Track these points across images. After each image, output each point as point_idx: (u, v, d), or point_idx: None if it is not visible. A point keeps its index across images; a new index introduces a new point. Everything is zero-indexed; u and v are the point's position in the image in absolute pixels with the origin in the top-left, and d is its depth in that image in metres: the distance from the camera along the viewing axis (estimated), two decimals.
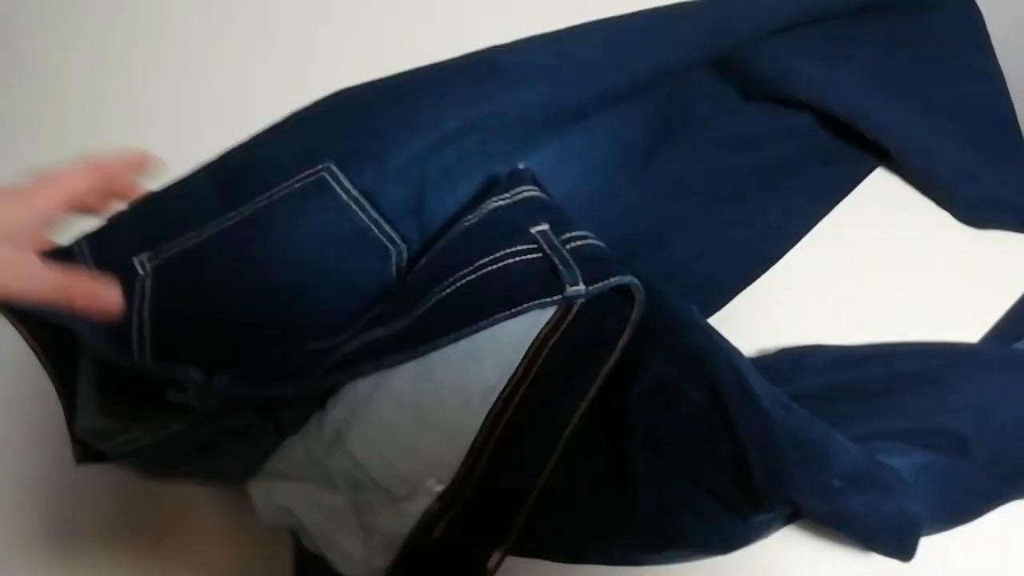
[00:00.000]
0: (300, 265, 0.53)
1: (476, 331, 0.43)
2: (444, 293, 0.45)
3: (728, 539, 0.50)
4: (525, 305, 0.43)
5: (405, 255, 0.55)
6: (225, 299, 0.52)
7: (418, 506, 0.45)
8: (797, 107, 0.64)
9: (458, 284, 0.45)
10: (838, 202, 0.63)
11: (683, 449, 0.49)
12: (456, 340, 0.43)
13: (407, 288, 0.49)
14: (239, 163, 0.57)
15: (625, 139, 0.62)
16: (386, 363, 0.43)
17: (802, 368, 0.56)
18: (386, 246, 0.55)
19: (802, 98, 0.63)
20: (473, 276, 0.45)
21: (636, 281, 0.45)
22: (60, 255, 0.49)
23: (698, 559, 0.50)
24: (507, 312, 0.43)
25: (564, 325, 0.47)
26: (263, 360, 0.45)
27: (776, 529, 0.51)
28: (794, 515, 0.50)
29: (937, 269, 0.61)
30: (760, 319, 0.59)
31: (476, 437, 0.45)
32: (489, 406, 0.46)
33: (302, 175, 0.55)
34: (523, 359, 0.47)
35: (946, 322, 0.58)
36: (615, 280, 0.45)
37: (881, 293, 0.60)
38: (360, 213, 0.55)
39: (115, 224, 0.52)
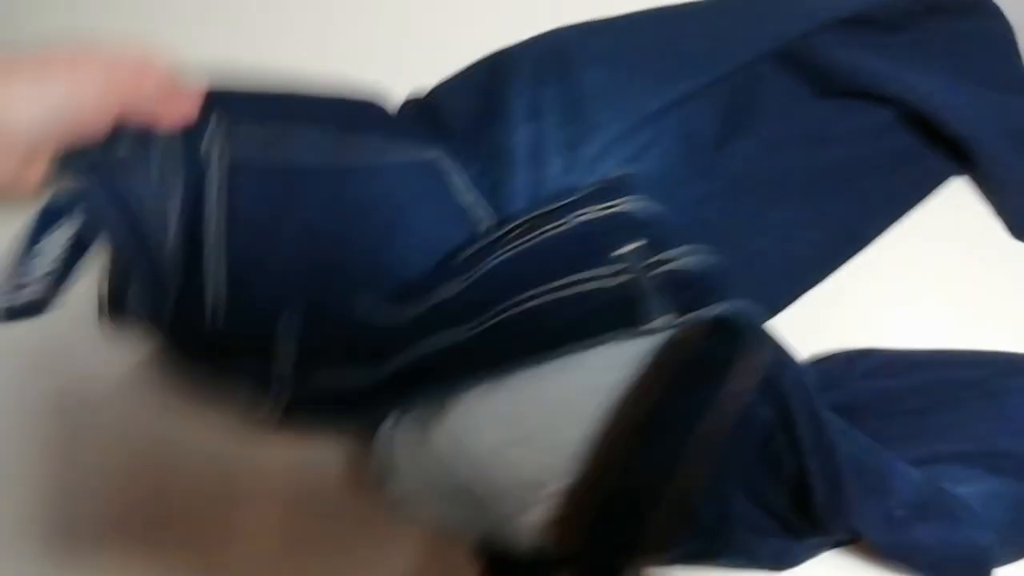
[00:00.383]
0: (396, 221, 0.53)
1: (550, 359, 0.42)
2: (514, 311, 0.44)
3: (779, 557, 0.50)
4: (598, 337, 0.42)
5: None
6: (308, 229, 0.52)
7: (534, 517, 0.44)
8: (875, 103, 0.61)
9: (530, 304, 0.44)
10: (914, 206, 0.60)
11: (746, 464, 0.48)
12: (529, 366, 0.42)
13: (478, 283, 0.48)
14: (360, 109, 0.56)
15: (693, 129, 0.60)
16: (462, 385, 0.43)
17: (853, 372, 0.55)
18: (477, 221, 0.55)
19: (884, 92, 0.60)
20: (547, 298, 0.44)
21: (736, 311, 0.44)
22: None
23: (746, 569, 0.51)
24: (580, 344, 0.42)
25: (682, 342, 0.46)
26: (335, 325, 0.47)
27: (827, 550, 0.51)
28: (847, 540, 0.50)
29: (996, 279, 0.59)
30: (813, 321, 0.57)
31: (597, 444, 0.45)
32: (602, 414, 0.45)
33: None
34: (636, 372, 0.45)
35: (1001, 334, 0.57)
36: (711, 311, 0.43)
37: (935, 301, 0.59)
38: (466, 192, 0.55)
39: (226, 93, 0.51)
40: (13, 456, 0.54)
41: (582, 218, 0.48)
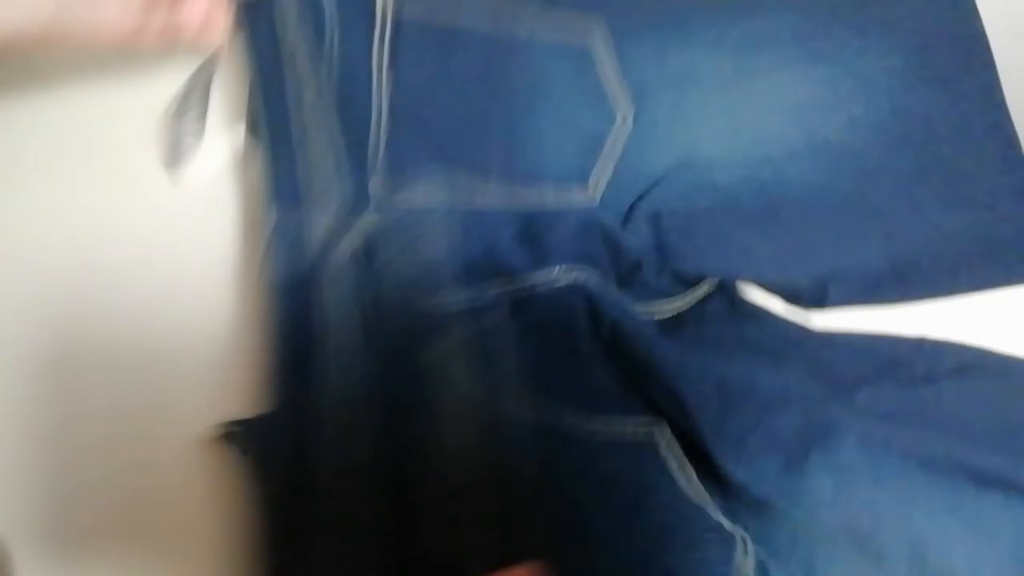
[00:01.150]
0: (541, 91, 0.57)
1: None
2: None
3: None
4: None
5: (630, 121, 0.58)
6: (461, 86, 0.57)
7: None
8: None
9: None
10: None
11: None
12: None
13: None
14: None
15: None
16: None
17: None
18: (616, 109, 0.59)
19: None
20: None
21: None
22: None
23: None
24: None
25: None
26: None
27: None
28: None
29: None
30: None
31: None
32: None
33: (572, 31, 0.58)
34: None
35: None
36: None
37: None
38: (610, 75, 0.59)
39: None
40: (14, 455, 0.54)
41: None
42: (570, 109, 0.58)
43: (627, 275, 0.56)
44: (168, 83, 0.58)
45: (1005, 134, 0.59)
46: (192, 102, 0.56)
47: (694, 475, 0.50)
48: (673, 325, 0.56)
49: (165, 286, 0.56)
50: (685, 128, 0.59)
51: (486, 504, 0.49)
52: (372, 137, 0.54)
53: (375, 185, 0.53)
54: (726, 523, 0.49)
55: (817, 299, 0.56)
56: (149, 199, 0.58)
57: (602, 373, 0.52)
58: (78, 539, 0.52)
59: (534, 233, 0.55)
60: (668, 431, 0.51)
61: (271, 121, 0.54)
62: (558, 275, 0.54)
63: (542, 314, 0.52)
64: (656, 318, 0.56)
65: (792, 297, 0.57)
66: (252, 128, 0.55)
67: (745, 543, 0.49)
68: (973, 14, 0.60)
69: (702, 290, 0.57)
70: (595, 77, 0.58)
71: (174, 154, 0.57)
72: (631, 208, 0.57)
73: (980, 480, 0.49)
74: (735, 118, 0.59)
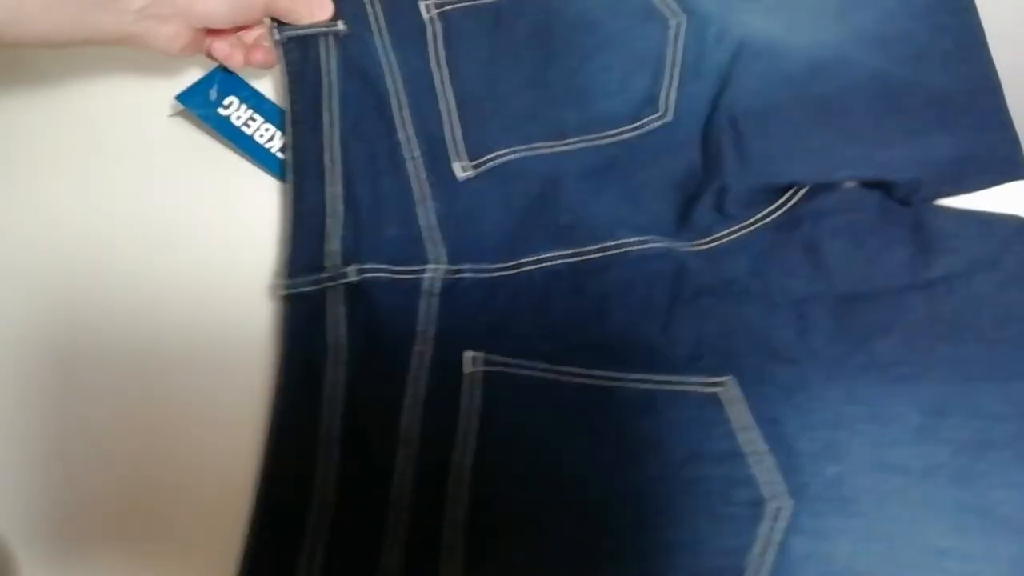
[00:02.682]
0: (591, 32, 0.59)
1: None
2: None
3: None
4: None
5: (684, 25, 0.58)
6: (518, 56, 0.58)
7: None
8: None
9: None
10: None
11: None
12: None
13: None
14: None
15: None
16: None
17: None
18: (667, 18, 0.59)
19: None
20: None
21: None
22: None
23: None
24: None
25: None
26: None
27: None
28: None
29: None
30: None
31: None
32: None
33: None
34: None
35: None
36: None
37: None
38: None
39: None
40: (13, 455, 0.53)
41: None
42: (623, 38, 0.59)
43: (711, 202, 0.54)
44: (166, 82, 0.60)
45: None
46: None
47: (757, 434, 0.48)
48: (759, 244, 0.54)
49: (171, 287, 0.56)
50: (738, 18, 0.59)
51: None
52: (447, 133, 0.56)
53: (459, 167, 0.55)
54: (772, 484, 0.47)
55: (912, 189, 0.53)
56: (153, 199, 0.59)
57: (678, 327, 0.51)
58: (81, 539, 0.51)
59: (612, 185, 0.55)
60: (736, 389, 0.49)
61: (301, 161, 0.56)
62: (627, 243, 0.53)
63: (616, 281, 0.52)
64: (736, 237, 0.54)
65: (889, 189, 0.54)
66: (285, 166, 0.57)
67: (779, 514, 0.47)
68: None
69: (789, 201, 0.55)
70: None
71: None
72: (708, 122, 0.56)
73: None
74: (780, 12, 0.59)
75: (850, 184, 0.54)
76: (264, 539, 0.47)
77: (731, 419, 0.48)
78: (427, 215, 0.55)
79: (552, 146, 0.56)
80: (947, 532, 0.46)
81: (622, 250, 0.52)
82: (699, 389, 0.49)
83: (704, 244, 0.54)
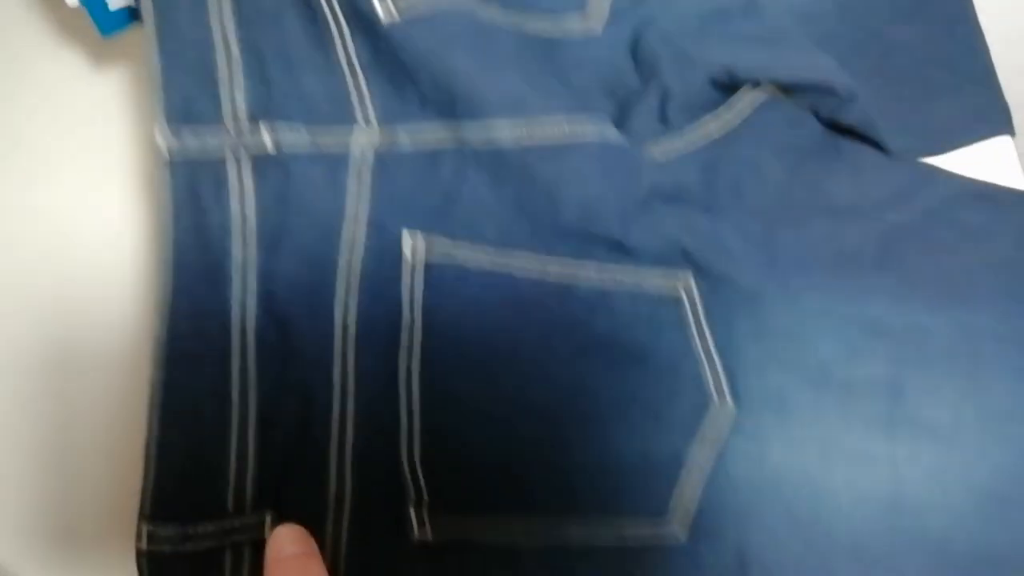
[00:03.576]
0: None
1: None
2: None
3: None
4: None
5: None
6: None
7: None
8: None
9: None
10: None
11: None
12: None
13: None
14: None
15: None
16: None
17: None
18: None
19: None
20: None
21: None
22: None
23: None
24: None
25: None
26: None
27: None
28: None
29: None
30: None
31: None
32: None
33: None
34: None
35: None
36: None
37: None
38: None
39: None
40: (14, 455, 0.53)
41: None
42: None
43: (654, 108, 0.53)
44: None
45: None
46: None
47: (710, 337, 0.49)
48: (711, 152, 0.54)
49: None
50: None
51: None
52: None
53: (378, 5, 0.47)
54: (719, 388, 0.49)
55: (839, 106, 0.54)
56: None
57: (636, 225, 0.50)
58: (75, 541, 0.50)
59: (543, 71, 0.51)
60: (694, 289, 0.50)
61: None
62: (580, 128, 0.49)
63: (573, 169, 0.49)
64: (682, 152, 0.53)
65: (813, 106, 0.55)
66: None
67: (721, 416, 0.48)
68: None
69: (737, 106, 0.55)
70: None
71: None
72: (638, 36, 0.54)
73: None
74: None
75: (788, 106, 0.56)
76: (172, 452, 0.42)
77: (688, 318, 0.49)
78: (348, 55, 0.47)
79: (476, 4, 0.50)
80: (877, 441, 0.48)
81: (580, 134, 0.49)
82: (659, 284, 0.50)
83: (651, 154, 0.53)
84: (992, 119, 0.59)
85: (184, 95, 0.43)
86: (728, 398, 0.48)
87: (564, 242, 0.49)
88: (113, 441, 0.50)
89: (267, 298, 0.44)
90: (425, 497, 0.45)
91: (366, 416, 0.45)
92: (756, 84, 0.54)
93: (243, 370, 0.43)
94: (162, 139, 0.43)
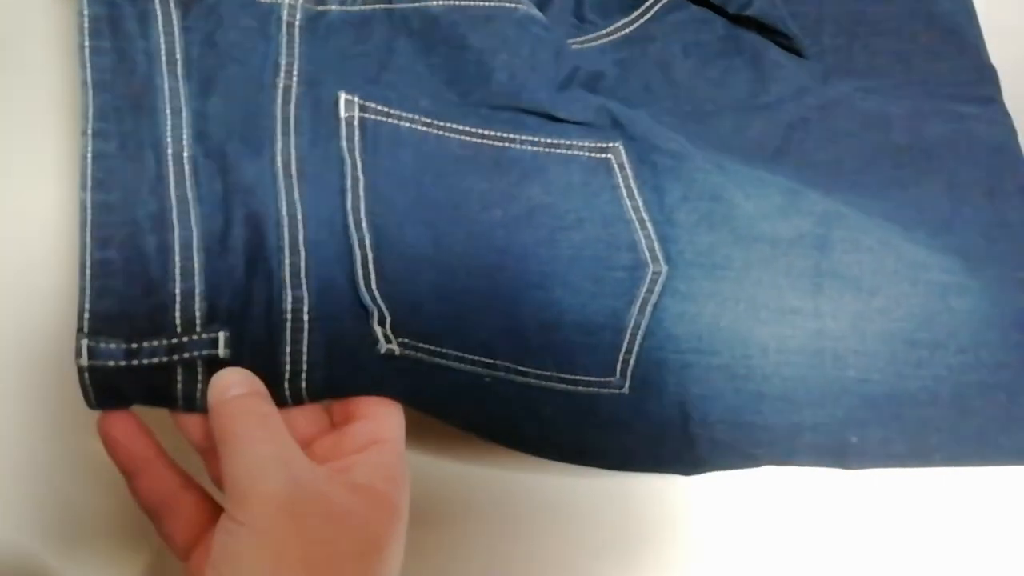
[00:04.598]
0: None
1: None
2: None
3: None
4: None
5: None
6: None
7: None
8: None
9: None
10: None
11: None
12: None
13: None
14: None
15: None
16: None
17: None
18: None
19: None
20: None
21: None
22: None
23: None
24: None
25: None
26: None
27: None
28: None
29: None
30: None
31: None
32: None
33: None
34: None
35: None
36: None
37: None
38: None
39: None
40: (13, 454, 0.52)
41: None
42: None
43: (570, 6, 0.56)
44: None
45: None
46: None
47: (640, 203, 0.51)
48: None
49: None
50: None
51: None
52: None
53: None
54: (652, 252, 0.50)
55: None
56: None
57: (564, 100, 0.51)
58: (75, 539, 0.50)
59: None
60: (624, 156, 0.51)
61: None
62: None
63: (501, 37, 0.50)
64: (597, 44, 0.56)
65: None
66: None
67: (656, 279, 0.50)
68: None
69: (649, 6, 0.57)
70: None
71: None
72: None
73: None
74: None
75: (695, 7, 0.59)
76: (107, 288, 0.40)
77: (619, 184, 0.51)
78: None
79: None
80: (802, 294, 0.51)
81: (505, 8, 0.51)
82: (590, 149, 0.51)
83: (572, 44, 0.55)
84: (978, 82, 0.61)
85: None
86: (661, 261, 0.50)
87: (496, 114, 0.50)
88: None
89: (202, 135, 0.43)
90: (387, 316, 0.45)
91: (320, 245, 0.44)
92: None
93: (182, 198, 0.42)
94: None
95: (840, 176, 0.55)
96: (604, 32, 0.57)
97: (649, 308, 0.49)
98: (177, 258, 0.40)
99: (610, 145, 0.51)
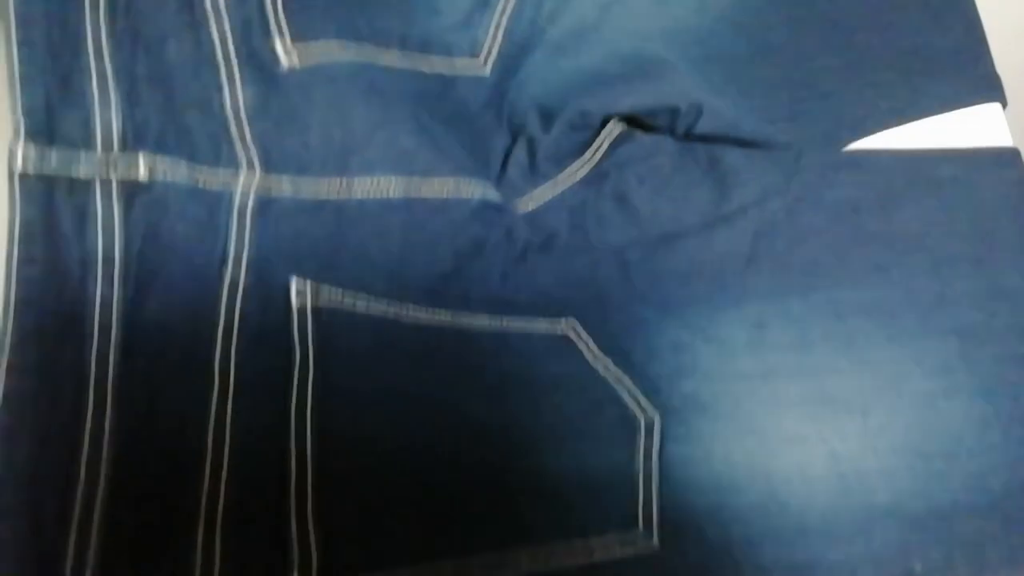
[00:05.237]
0: None
1: None
2: None
3: None
4: None
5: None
6: None
7: None
8: None
9: None
10: None
11: None
12: None
13: None
14: None
15: None
16: None
17: None
18: None
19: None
20: None
21: None
22: None
23: None
24: None
25: None
26: None
27: None
28: None
29: None
30: None
31: None
32: None
33: None
34: None
35: None
36: None
37: None
38: None
39: None
40: None
41: None
42: None
43: (523, 158, 0.54)
44: None
45: (833, 20, 0.61)
46: None
47: (610, 362, 0.49)
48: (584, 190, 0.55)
49: None
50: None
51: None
52: (267, 4, 0.47)
53: (280, 47, 0.46)
54: (637, 403, 0.49)
55: (692, 122, 0.55)
56: None
57: (516, 281, 0.51)
58: None
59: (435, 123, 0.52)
60: (581, 329, 0.50)
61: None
62: (464, 187, 0.50)
63: (455, 224, 0.50)
64: (552, 198, 0.55)
65: (669, 127, 0.57)
66: None
67: (652, 427, 0.48)
68: None
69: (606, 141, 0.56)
70: None
71: None
72: (512, 104, 0.56)
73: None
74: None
75: (644, 135, 0.57)
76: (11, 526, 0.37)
77: (583, 350, 0.49)
78: (235, 101, 0.45)
79: (376, 53, 0.50)
80: (799, 421, 0.49)
81: (464, 194, 0.50)
82: (545, 328, 0.50)
83: (524, 206, 0.54)
84: (981, 87, 0.60)
85: (48, 110, 0.40)
86: (650, 410, 0.48)
87: (451, 295, 0.49)
88: None
89: (131, 349, 0.40)
90: (315, 560, 0.41)
91: (243, 473, 0.41)
92: (606, 121, 0.56)
93: (95, 436, 0.39)
94: (20, 154, 0.39)
95: (817, 275, 0.53)
96: (559, 179, 0.55)
97: (655, 456, 0.47)
98: (75, 520, 0.38)
99: (562, 321, 0.50)
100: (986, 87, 0.60)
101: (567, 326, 0.50)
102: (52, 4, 0.41)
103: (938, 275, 0.53)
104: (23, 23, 0.40)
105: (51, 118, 0.40)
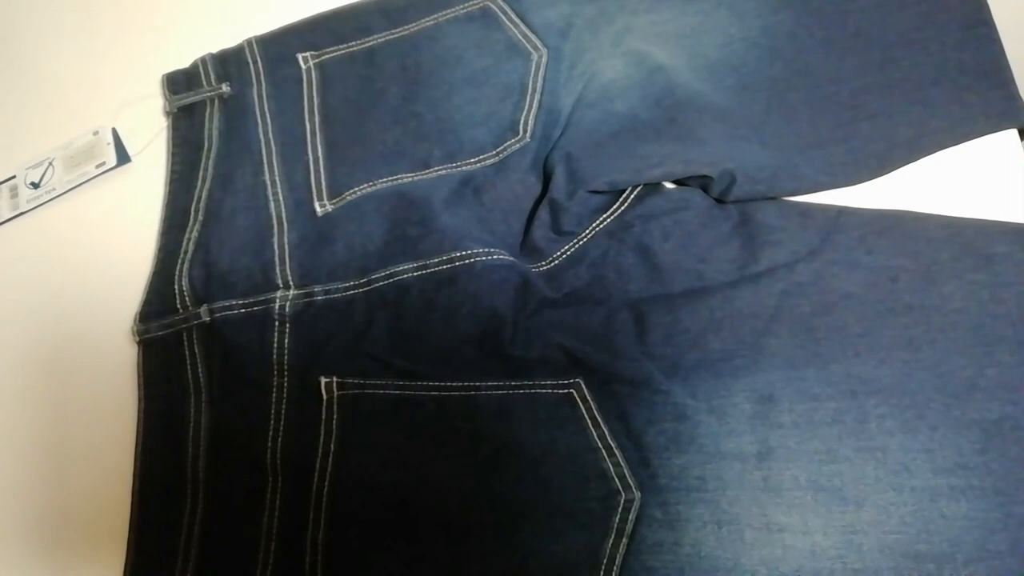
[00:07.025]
0: (458, 67, 0.62)
1: None
2: None
3: None
4: None
5: (545, 58, 0.61)
6: (388, 94, 0.62)
7: None
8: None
9: None
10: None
11: None
12: None
13: None
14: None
15: None
16: None
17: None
18: (530, 52, 0.61)
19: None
20: None
21: None
22: (228, 54, 0.65)
23: None
24: None
25: None
26: None
27: None
28: None
29: None
30: None
31: None
32: None
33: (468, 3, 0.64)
34: None
35: None
36: None
37: None
38: (514, 28, 0.63)
39: (284, 31, 0.66)
40: (13, 457, 0.57)
41: None
42: (489, 72, 0.61)
43: (547, 220, 0.57)
44: None
45: (868, 38, 0.58)
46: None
47: (606, 432, 0.51)
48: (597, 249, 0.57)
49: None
50: (584, 59, 0.61)
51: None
52: (312, 179, 0.60)
53: (319, 207, 0.58)
54: (623, 480, 0.50)
55: (725, 188, 0.55)
56: None
57: (528, 336, 0.53)
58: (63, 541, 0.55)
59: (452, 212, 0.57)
60: (585, 390, 0.51)
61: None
62: (477, 255, 0.54)
63: (464, 292, 0.54)
64: (574, 250, 0.57)
65: (702, 186, 0.56)
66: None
67: (631, 506, 0.49)
68: None
69: (632, 193, 0.57)
70: (501, 30, 0.62)
71: None
72: (547, 159, 0.58)
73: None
74: (624, 47, 0.60)
75: (671, 185, 0.57)
76: None
77: (583, 415, 0.51)
78: (282, 242, 0.57)
79: (414, 176, 0.58)
80: (785, 509, 0.48)
81: (467, 261, 0.53)
82: (551, 391, 0.51)
83: (544, 265, 0.56)
84: (1003, 113, 0.56)
85: (156, 294, 0.58)
86: (634, 488, 0.49)
87: (463, 360, 0.53)
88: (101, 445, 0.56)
89: (213, 456, 0.53)
90: None
91: (283, 566, 0.51)
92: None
93: (190, 525, 0.52)
94: (136, 328, 0.57)
95: (841, 345, 0.51)
96: (582, 235, 0.56)
97: (624, 538, 0.48)
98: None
99: (571, 381, 0.51)
100: None
101: (572, 386, 0.52)
102: (178, 216, 0.62)
103: (972, 359, 0.50)
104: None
105: (152, 296, 0.59)
